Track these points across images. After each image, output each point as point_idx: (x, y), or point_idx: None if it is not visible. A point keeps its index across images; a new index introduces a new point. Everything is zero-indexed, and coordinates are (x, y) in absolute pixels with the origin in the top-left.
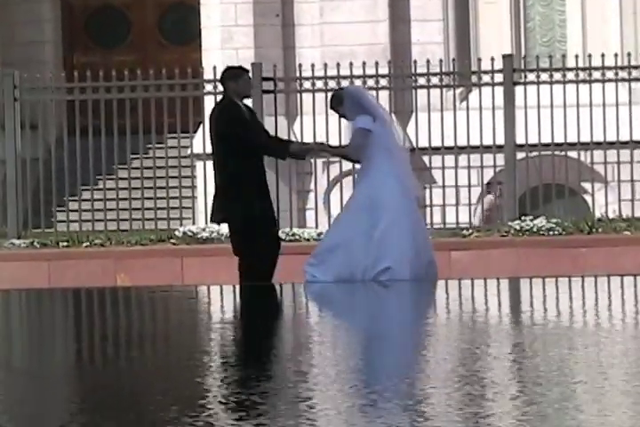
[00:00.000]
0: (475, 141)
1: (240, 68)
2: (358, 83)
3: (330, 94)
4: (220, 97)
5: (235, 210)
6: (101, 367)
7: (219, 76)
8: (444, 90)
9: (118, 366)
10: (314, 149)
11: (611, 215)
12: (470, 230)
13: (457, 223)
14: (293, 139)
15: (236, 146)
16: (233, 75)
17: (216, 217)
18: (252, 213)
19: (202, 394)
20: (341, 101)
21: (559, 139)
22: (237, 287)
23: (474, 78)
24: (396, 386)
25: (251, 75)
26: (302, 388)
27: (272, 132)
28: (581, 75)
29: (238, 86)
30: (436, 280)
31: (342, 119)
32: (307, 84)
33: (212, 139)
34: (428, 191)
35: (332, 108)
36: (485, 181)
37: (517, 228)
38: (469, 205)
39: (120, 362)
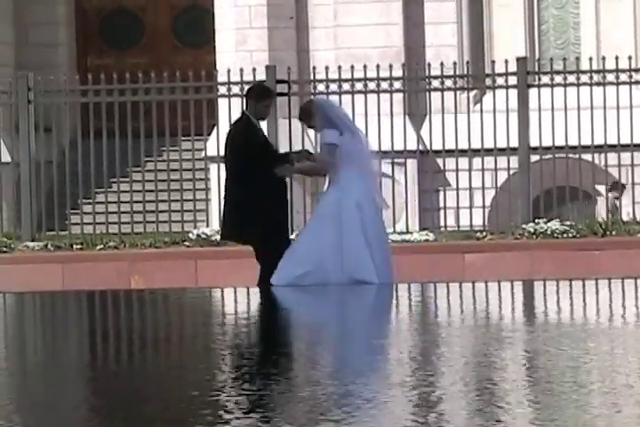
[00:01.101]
0: (488, 144)
1: (268, 90)
2: (372, 85)
3: (303, 104)
4: (233, 100)
5: (249, 230)
6: (114, 369)
7: (234, 79)
8: (458, 92)
9: (128, 368)
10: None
11: (625, 218)
12: (484, 233)
13: (471, 226)
14: (307, 142)
15: (248, 165)
16: (257, 95)
17: (230, 236)
18: (268, 232)
19: (212, 394)
20: (310, 113)
21: (573, 141)
22: (252, 287)
23: (488, 81)
24: (401, 384)
25: (265, 77)
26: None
27: (286, 136)
28: (595, 77)
29: (257, 108)
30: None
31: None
32: (320, 87)
33: (225, 156)
34: (441, 194)
35: (300, 120)
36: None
37: (531, 230)
38: (483, 207)
39: (129, 365)
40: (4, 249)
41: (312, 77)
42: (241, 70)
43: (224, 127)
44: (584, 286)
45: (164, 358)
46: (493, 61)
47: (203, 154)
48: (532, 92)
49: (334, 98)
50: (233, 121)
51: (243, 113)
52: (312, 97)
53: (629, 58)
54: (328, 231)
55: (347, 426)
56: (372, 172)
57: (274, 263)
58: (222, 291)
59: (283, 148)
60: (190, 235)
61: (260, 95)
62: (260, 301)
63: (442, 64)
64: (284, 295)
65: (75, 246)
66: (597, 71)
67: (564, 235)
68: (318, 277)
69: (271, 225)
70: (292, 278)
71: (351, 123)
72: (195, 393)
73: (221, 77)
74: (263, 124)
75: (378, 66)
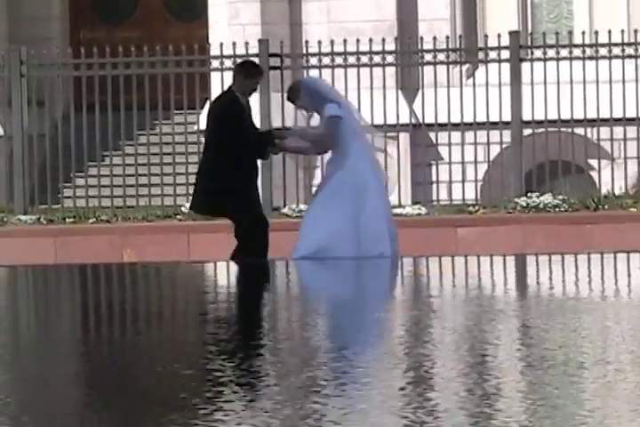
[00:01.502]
0: (481, 118)
1: (256, 67)
2: (365, 59)
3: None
4: (226, 74)
5: (225, 201)
6: (106, 343)
7: (227, 53)
8: (451, 66)
9: (121, 342)
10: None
11: (617, 192)
12: (476, 207)
13: (463, 200)
14: (300, 116)
15: (226, 140)
16: (246, 71)
17: (199, 208)
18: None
19: (206, 375)
20: (298, 93)
21: (566, 115)
22: (235, 262)
23: (480, 55)
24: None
25: (257, 51)
26: (315, 369)
27: (278, 110)
28: (588, 51)
29: (245, 84)
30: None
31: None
32: (313, 61)
33: (206, 127)
34: (434, 168)
35: (289, 99)
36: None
37: (524, 204)
38: (476, 181)
39: (122, 339)
40: None
41: (305, 51)
42: (233, 44)
43: None
44: (576, 259)
45: (155, 332)
46: (486, 35)
47: (195, 127)
48: (525, 66)
49: (327, 71)
50: (218, 94)
51: (229, 88)
52: (299, 77)
53: (622, 32)
54: (345, 206)
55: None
56: (371, 144)
57: (253, 235)
58: (215, 264)
59: (275, 121)
60: (183, 208)
61: (249, 72)
62: (245, 274)
63: (434, 38)
64: (274, 269)
65: (67, 220)
66: (590, 45)
67: (557, 209)
68: (333, 250)
69: (245, 197)
70: (310, 251)
71: (343, 98)
72: (186, 367)
73: (214, 51)
74: (254, 99)
75: (370, 40)
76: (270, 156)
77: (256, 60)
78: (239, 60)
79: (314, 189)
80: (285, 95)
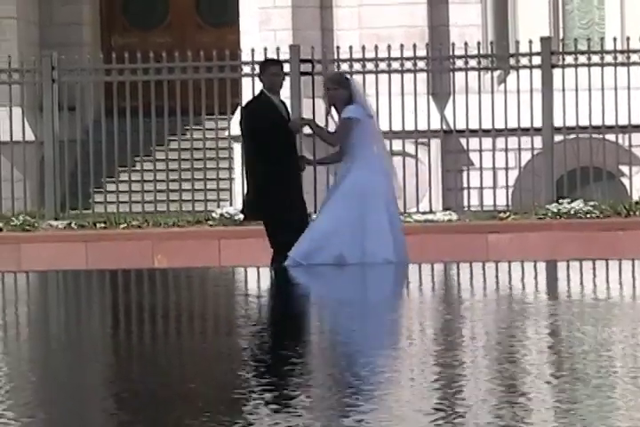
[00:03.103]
0: (512, 124)
1: (267, 60)
2: (396, 65)
3: (331, 75)
4: (257, 80)
5: (266, 208)
6: (136, 354)
7: (258, 59)
8: (482, 72)
9: (152, 350)
10: (302, 123)
11: None
12: (507, 213)
13: (494, 206)
14: (331, 121)
15: (261, 144)
16: (260, 68)
17: (250, 215)
18: (282, 210)
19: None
20: (344, 85)
21: (597, 122)
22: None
23: (512, 61)
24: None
25: (288, 56)
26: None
27: (310, 116)
28: (619, 57)
29: (265, 81)
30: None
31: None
32: (344, 67)
33: (241, 132)
34: (465, 174)
35: (327, 87)
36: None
37: (555, 211)
38: (507, 187)
39: (153, 347)
40: (28, 228)
41: (336, 57)
42: (265, 49)
43: None
44: (607, 266)
45: (186, 340)
46: (517, 41)
47: (226, 133)
48: (556, 72)
49: (358, 77)
50: (250, 99)
51: (261, 90)
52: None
53: None
54: (351, 209)
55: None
56: (388, 153)
57: (287, 241)
58: (245, 270)
59: (306, 127)
60: (214, 214)
61: (261, 67)
62: (280, 280)
63: (466, 44)
64: (308, 275)
65: (98, 225)
66: (622, 51)
67: (588, 215)
68: (335, 254)
69: (285, 201)
70: (307, 255)
71: (367, 101)
72: (217, 375)
73: (245, 57)
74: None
75: (402, 46)
76: (304, 166)
77: (287, 65)
78: None
79: None
80: (327, 83)
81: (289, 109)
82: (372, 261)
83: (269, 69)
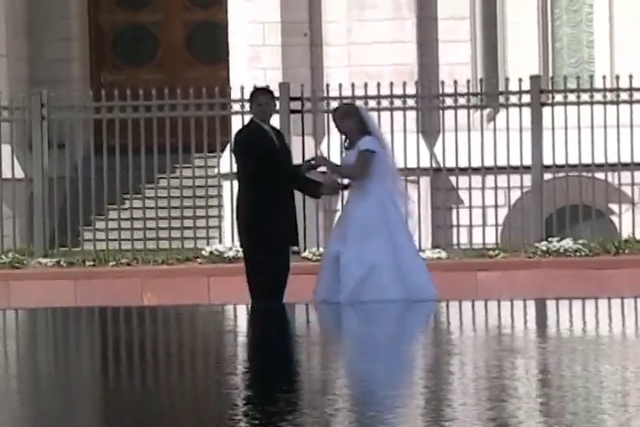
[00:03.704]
0: (502, 162)
1: (257, 90)
2: (385, 103)
3: (337, 107)
4: (247, 117)
5: (245, 230)
6: (127, 389)
7: (247, 96)
8: (472, 110)
9: (141, 392)
10: (319, 166)
11: (638, 237)
12: (497, 251)
13: (483, 244)
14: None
15: (251, 171)
16: (250, 97)
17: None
18: (260, 232)
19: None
20: (352, 114)
21: (586, 160)
22: (253, 307)
23: (501, 99)
24: (423, 400)
25: (278, 94)
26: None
27: (299, 153)
28: (609, 96)
29: (254, 111)
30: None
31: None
32: (334, 104)
33: (236, 158)
34: (454, 212)
35: (335, 118)
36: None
37: (544, 249)
38: (496, 225)
39: (142, 388)
40: (17, 265)
41: (325, 94)
42: (254, 87)
43: None
44: (597, 304)
45: (175, 379)
46: (507, 79)
47: (216, 171)
48: (546, 110)
49: None
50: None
51: (251, 119)
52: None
53: None
54: (381, 238)
55: None
56: (401, 187)
57: (275, 279)
58: (235, 308)
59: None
60: (203, 252)
61: (251, 96)
62: (275, 318)
63: (455, 82)
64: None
65: (87, 263)
66: (611, 90)
67: (577, 253)
68: (377, 291)
69: (267, 233)
70: (354, 294)
71: (381, 133)
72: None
73: (235, 94)
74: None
75: (391, 83)
76: (328, 192)
77: (277, 103)
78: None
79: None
80: (335, 114)
81: (284, 136)
82: (409, 298)
83: (258, 99)
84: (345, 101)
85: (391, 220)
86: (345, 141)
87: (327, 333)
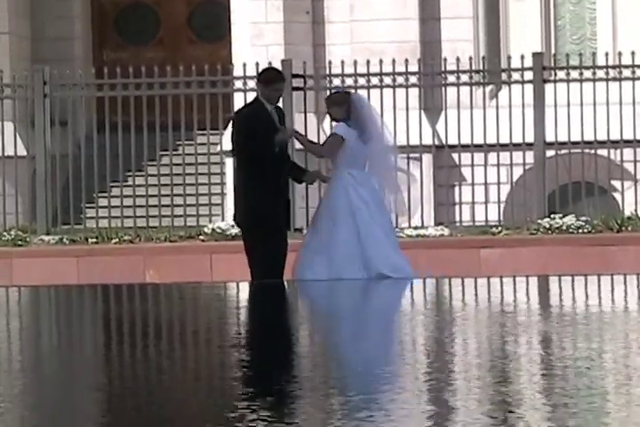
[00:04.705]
0: (504, 139)
1: (276, 73)
2: (388, 80)
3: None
4: (249, 94)
5: (244, 212)
6: (128, 372)
7: (250, 73)
8: (474, 88)
9: (144, 372)
10: (290, 135)
11: None
12: (499, 228)
13: (486, 221)
14: (322, 137)
15: (245, 152)
16: (265, 79)
17: (234, 218)
18: (260, 215)
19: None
20: (341, 102)
21: (589, 137)
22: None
23: (504, 76)
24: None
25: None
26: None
27: (302, 131)
28: (611, 73)
29: (265, 92)
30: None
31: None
32: (336, 81)
33: (231, 137)
34: (457, 189)
35: (326, 102)
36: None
37: (546, 226)
38: (499, 202)
39: (145, 368)
40: (20, 243)
41: (328, 72)
42: (257, 64)
43: None
44: (599, 281)
45: (178, 358)
46: (509, 57)
47: (218, 148)
48: (548, 87)
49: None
50: (244, 104)
51: (256, 97)
52: (350, 90)
53: None
54: (344, 229)
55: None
56: (388, 175)
57: (276, 257)
58: (237, 285)
59: (298, 142)
60: (205, 229)
61: (268, 79)
62: (274, 295)
63: (458, 59)
64: (306, 289)
65: (90, 240)
66: (613, 66)
67: (580, 230)
68: (339, 272)
69: (263, 214)
70: (309, 273)
71: (378, 126)
72: (213, 395)
73: (237, 72)
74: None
75: (394, 61)
76: (309, 181)
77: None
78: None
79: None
80: (326, 100)
81: (285, 116)
82: (375, 276)
83: (275, 85)
84: (339, 88)
85: (355, 206)
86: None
87: (328, 310)
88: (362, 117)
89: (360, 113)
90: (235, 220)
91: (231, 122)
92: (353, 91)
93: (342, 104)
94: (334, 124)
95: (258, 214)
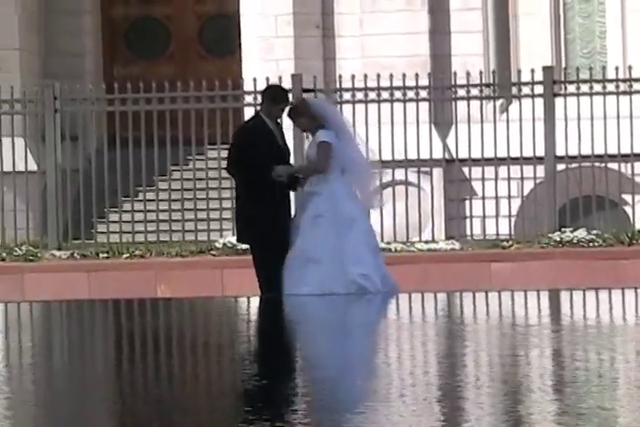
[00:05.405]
0: (515, 153)
1: (284, 92)
2: (398, 94)
3: (293, 104)
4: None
5: (245, 226)
6: (141, 384)
7: (260, 88)
8: (484, 101)
9: (156, 388)
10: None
11: None
12: (510, 242)
13: (497, 235)
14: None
15: (246, 164)
16: (273, 97)
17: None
18: (260, 229)
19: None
20: (303, 112)
21: (599, 150)
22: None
23: (514, 90)
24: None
25: (291, 86)
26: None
27: (313, 146)
28: (622, 86)
29: (269, 109)
30: (397, 292)
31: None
32: (347, 96)
33: (228, 152)
34: (467, 203)
35: (289, 116)
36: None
37: (557, 239)
38: (509, 216)
39: (156, 384)
40: (31, 258)
41: (338, 86)
42: (267, 79)
43: None
44: (610, 295)
45: (190, 371)
46: (520, 70)
47: None
48: (559, 101)
49: (360, 106)
50: (246, 120)
51: (257, 112)
52: (305, 97)
53: None
54: (328, 236)
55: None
56: (363, 178)
57: (274, 270)
58: (248, 300)
59: (300, 157)
60: (217, 244)
61: (276, 98)
62: (279, 310)
63: (468, 73)
64: (305, 304)
65: (101, 255)
66: (624, 80)
67: (591, 244)
68: (322, 284)
69: (267, 227)
70: (296, 287)
71: (347, 127)
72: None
73: (247, 86)
74: (288, 136)
75: (404, 75)
76: (275, 176)
77: (289, 95)
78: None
79: None
80: (289, 113)
81: (284, 133)
82: (354, 290)
83: (282, 104)
84: (297, 98)
85: (343, 213)
86: (307, 137)
87: (334, 323)
88: (328, 117)
89: (325, 113)
90: (237, 238)
91: (232, 137)
92: (306, 95)
93: (303, 113)
94: (307, 134)
95: (258, 228)
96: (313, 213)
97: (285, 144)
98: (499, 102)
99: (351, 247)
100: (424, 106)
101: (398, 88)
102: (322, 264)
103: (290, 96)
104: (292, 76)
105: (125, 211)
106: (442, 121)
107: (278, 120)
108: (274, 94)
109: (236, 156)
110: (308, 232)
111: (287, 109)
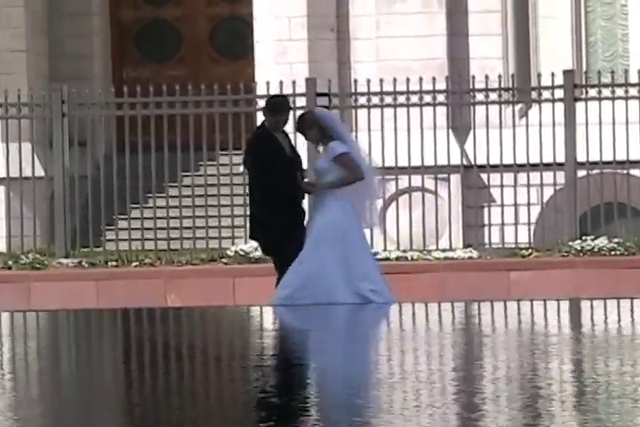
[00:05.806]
0: (534, 159)
1: (284, 102)
2: (415, 98)
3: (299, 116)
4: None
5: (260, 232)
6: (149, 395)
7: (273, 92)
8: (503, 106)
9: (165, 397)
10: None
11: None
12: (529, 250)
13: (516, 243)
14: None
15: (260, 173)
16: (273, 108)
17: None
18: (274, 236)
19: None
20: (311, 125)
21: (621, 156)
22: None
23: (534, 94)
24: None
25: (304, 90)
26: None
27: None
28: None
29: (272, 121)
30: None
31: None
32: (362, 100)
33: (244, 163)
34: (486, 210)
35: (299, 130)
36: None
37: (578, 248)
38: (529, 224)
39: (166, 393)
40: (38, 266)
41: (353, 90)
42: (280, 83)
43: None
44: (632, 304)
45: (200, 381)
46: (539, 74)
47: (241, 168)
48: (580, 105)
49: (376, 111)
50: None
51: (262, 123)
52: (315, 108)
53: None
54: (330, 248)
55: None
56: (366, 188)
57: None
58: (261, 309)
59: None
60: (228, 252)
61: (275, 109)
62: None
63: (486, 77)
64: (323, 313)
65: (109, 263)
66: None
67: (612, 252)
68: (320, 295)
69: (282, 232)
70: (293, 297)
71: (352, 137)
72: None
73: (260, 90)
74: (301, 141)
75: (421, 78)
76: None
77: (303, 99)
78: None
79: None
80: (297, 127)
81: (292, 142)
82: (358, 300)
83: (282, 116)
84: (308, 110)
85: (348, 226)
86: (316, 148)
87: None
88: (335, 127)
89: (332, 124)
90: (251, 237)
91: (245, 150)
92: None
93: (313, 125)
94: (319, 146)
95: (272, 235)
96: (319, 225)
97: (295, 152)
98: (518, 107)
99: (360, 262)
100: (441, 110)
101: (415, 92)
102: (319, 273)
103: (291, 103)
104: (306, 79)
105: (135, 218)
106: (460, 126)
107: (284, 129)
108: (272, 106)
109: (254, 166)
110: (312, 243)
111: (296, 124)
